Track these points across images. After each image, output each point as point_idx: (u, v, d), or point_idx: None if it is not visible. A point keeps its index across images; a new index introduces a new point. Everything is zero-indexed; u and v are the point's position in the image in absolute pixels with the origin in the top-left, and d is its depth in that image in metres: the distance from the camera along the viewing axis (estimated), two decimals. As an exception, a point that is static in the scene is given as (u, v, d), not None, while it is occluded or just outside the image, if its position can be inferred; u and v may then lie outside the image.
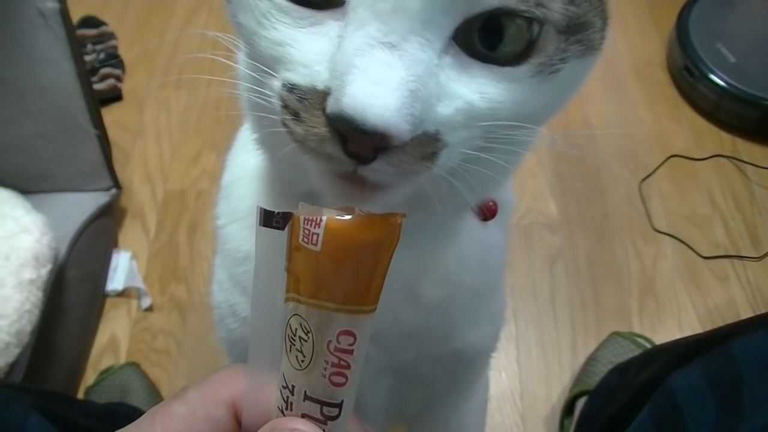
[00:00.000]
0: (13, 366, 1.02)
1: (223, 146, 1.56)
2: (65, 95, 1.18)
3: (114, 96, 1.62)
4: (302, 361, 0.30)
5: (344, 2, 0.31)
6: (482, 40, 0.32)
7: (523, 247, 1.36)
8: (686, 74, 1.55)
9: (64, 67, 1.15)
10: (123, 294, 1.31)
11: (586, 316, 1.28)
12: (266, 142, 0.46)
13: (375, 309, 0.30)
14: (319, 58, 0.31)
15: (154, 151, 1.54)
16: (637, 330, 1.24)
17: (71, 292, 1.18)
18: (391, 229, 0.28)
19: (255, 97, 0.35)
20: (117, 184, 1.35)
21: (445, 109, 0.31)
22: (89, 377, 1.21)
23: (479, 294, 0.56)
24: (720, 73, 1.49)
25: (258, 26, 0.33)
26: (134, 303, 1.30)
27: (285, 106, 0.32)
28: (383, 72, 0.29)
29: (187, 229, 1.40)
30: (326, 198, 0.36)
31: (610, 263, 1.34)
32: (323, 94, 0.30)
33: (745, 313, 1.27)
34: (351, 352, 0.30)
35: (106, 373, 1.19)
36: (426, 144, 0.31)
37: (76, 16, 1.52)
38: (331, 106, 0.29)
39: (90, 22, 1.72)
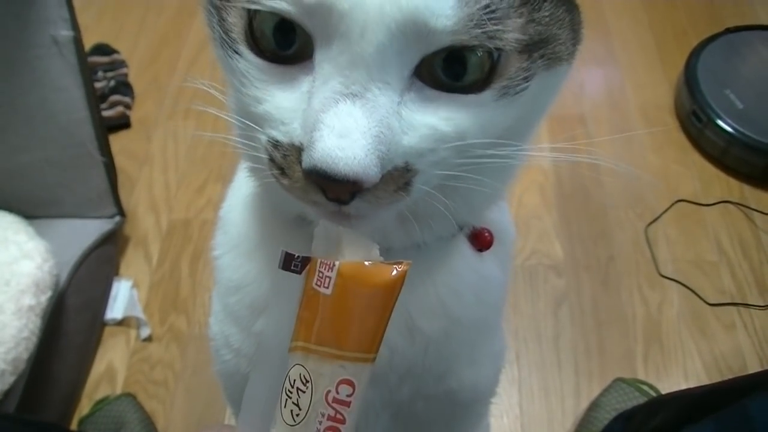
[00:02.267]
0: (7, 394, 1.00)
1: (228, 177, 1.56)
2: (74, 122, 1.19)
3: (122, 123, 1.62)
4: (297, 415, 0.30)
5: (312, 55, 0.33)
6: (446, 71, 0.33)
7: (528, 289, 1.34)
8: (694, 119, 1.55)
9: (74, 94, 1.16)
10: (122, 323, 1.30)
11: (590, 361, 1.26)
12: (256, 171, 0.47)
13: (375, 359, 0.31)
14: (293, 115, 0.34)
15: (159, 180, 1.54)
16: (641, 376, 1.22)
17: (70, 320, 1.17)
18: (399, 275, 0.30)
19: (245, 143, 0.38)
20: (121, 212, 1.35)
21: (411, 140, 0.33)
22: (84, 407, 1.20)
23: (476, 330, 0.56)
24: (728, 119, 1.49)
25: (241, 85, 0.35)
26: (133, 333, 1.29)
27: (272, 160, 0.35)
28: (347, 124, 0.31)
29: (189, 260, 1.40)
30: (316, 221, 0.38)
31: (615, 308, 1.33)
32: (299, 150, 0.33)
33: (752, 363, 1.25)
34: (348, 404, 0.30)
35: (101, 404, 1.17)
36: (397, 177, 0.33)
37: (89, 43, 1.54)
38: (305, 161, 0.32)
39: (102, 49, 1.74)
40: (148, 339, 1.28)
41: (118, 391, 1.22)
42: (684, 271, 1.38)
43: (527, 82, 0.35)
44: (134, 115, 1.66)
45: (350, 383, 0.30)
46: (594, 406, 1.16)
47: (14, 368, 1.01)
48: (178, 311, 1.32)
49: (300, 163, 0.33)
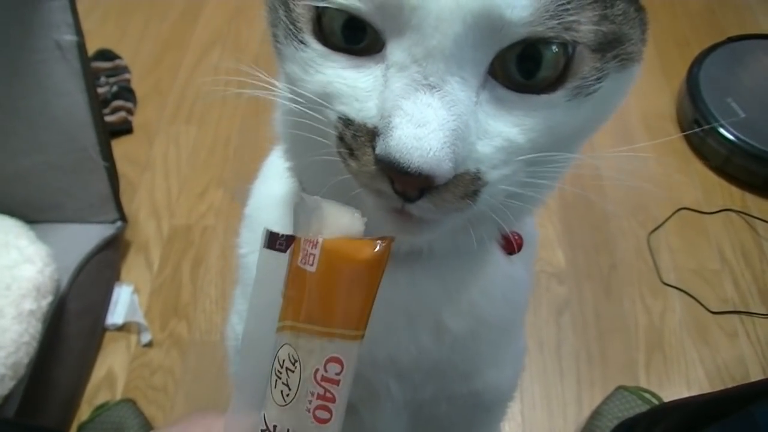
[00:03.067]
0: (7, 398, 1.00)
1: (230, 183, 1.56)
2: (76, 127, 1.19)
3: (124, 129, 1.62)
4: (287, 395, 0.30)
5: (381, 49, 0.32)
6: (520, 69, 0.32)
7: (530, 296, 1.34)
8: (696, 128, 1.55)
9: (77, 99, 1.16)
10: (123, 328, 1.29)
11: (592, 369, 1.25)
12: (305, 172, 0.46)
13: (363, 336, 0.30)
14: (368, 94, 0.33)
15: (161, 186, 1.54)
16: (643, 385, 1.21)
17: (71, 325, 1.17)
18: (382, 250, 0.30)
19: (305, 122, 0.36)
20: (123, 217, 1.34)
21: (485, 148, 0.32)
22: (84, 413, 1.19)
23: (503, 332, 0.56)
24: (730, 128, 1.50)
25: (304, 73, 0.35)
26: (134, 338, 1.29)
27: (341, 139, 0.34)
28: (426, 114, 0.30)
29: (191, 265, 1.39)
30: (375, 230, 0.36)
31: (617, 316, 1.33)
32: (373, 133, 0.32)
33: (755, 371, 1.24)
34: (337, 382, 0.30)
35: (101, 409, 1.16)
36: (467, 183, 0.32)
37: (91, 49, 1.54)
38: (379, 147, 0.31)
39: (105, 54, 1.74)
40: (149, 344, 1.27)
41: (118, 396, 1.21)
42: (686, 279, 1.38)
43: (600, 82, 0.34)
44: (136, 121, 1.66)
45: (338, 361, 0.30)
46: (596, 414, 1.15)
47: (14, 373, 1.00)
48: (178, 317, 1.32)
49: (372, 147, 0.32)
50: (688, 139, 1.60)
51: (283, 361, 0.30)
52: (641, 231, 1.45)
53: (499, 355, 0.57)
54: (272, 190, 0.54)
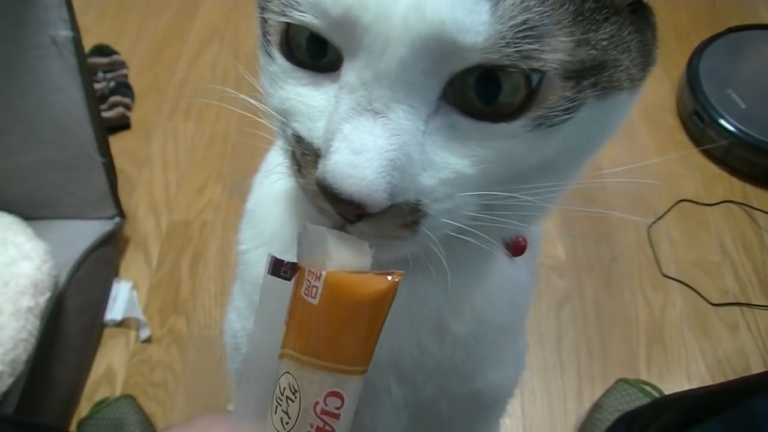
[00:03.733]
0: (5, 395, 1.00)
1: (229, 178, 1.55)
2: (74, 123, 1.18)
3: (122, 125, 1.62)
4: (286, 423, 0.29)
5: (340, 67, 0.32)
6: (479, 94, 0.31)
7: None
8: (696, 119, 1.55)
9: (74, 95, 1.15)
10: (122, 324, 1.29)
11: (592, 363, 1.25)
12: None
13: (365, 371, 0.29)
14: (320, 114, 0.33)
15: (159, 181, 1.53)
16: (644, 378, 1.21)
17: (69, 321, 1.17)
18: (389, 288, 0.29)
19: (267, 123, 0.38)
20: (121, 213, 1.34)
21: (429, 180, 0.31)
22: (83, 409, 1.19)
23: (505, 332, 0.55)
24: (730, 119, 1.49)
25: (270, 86, 0.36)
26: (133, 334, 1.28)
27: (293, 154, 0.34)
28: (364, 141, 0.29)
29: (189, 261, 1.39)
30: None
31: (617, 308, 1.32)
32: (317, 154, 0.32)
33: (755, 363, 1.24)
34: (337, 416, 0.29)
35: (100, 406, 1.16)
36: (405, 213, 0.31)
37: (89, 44, 1.53)
38: (318, 170, 0.31)
39: (102, 50, 1.74)
40: (148, 340, 1.27)
41: (118, 392, 1.21)
42: (687, 271, 1.37)
43: (570, 113, 0.32)
44: (134, 117, 1.65)
45: (339, 396, 0.29)
46: (596, 407, 1.15)
47: (12, 370, 1.00)
48: (178, 313, 1.31)
49: (316, 167, 0.32)
50: (689, 131, 1.60)
51: (284, 389, 0.30)
52: (641, 223, 1.44)
53: (501, 355, 0.57)
54: (274, 185, 0.53)
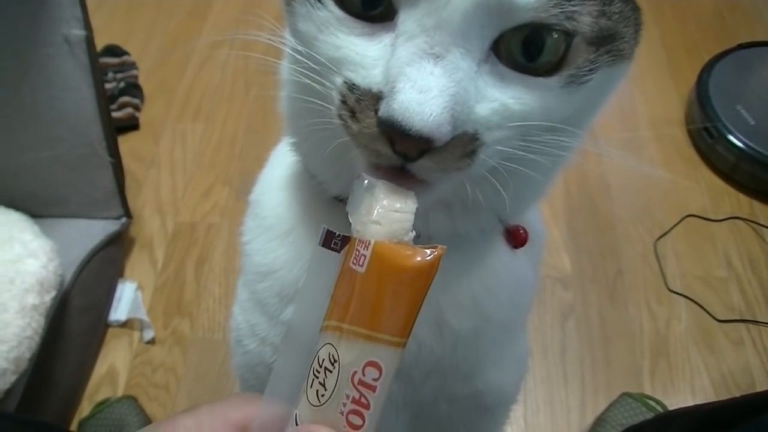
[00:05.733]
0: (8, 393, 0.99)
1: (236, 181, 1.55)
2: (83, 122, 1.19)
3: (131, 125, 1.62)
4: (322, 395, 0.30)
5: (394, 17, 0.34)
6: (522, 51, 0.34)
7: (535, 300, 1.33)
8: (705, 134, 1.55)
9: (84, 94, 1.16)
10: (125, 325, 1.29)
11: (596, 375, 1.25)
12: (306, 143, 0.47)
13: (404, 345, 0.30)
14: (375, 62, 0.35)
15: (167, 183, 1.53)
16: (648, 392, 1.21)
17: (73, 320, 1.16)
18: (432, 261, 0.30)
19: (307, 83, 0.38)
20: (128, 214, 1.34)
21: (482, 110, 0.34)
22: (84, 409, 1.19)
23: (505, 330, 0.56)
24: (739, 135, 1.49)
25: (318, 32, 0.36)
26: (136, 335, 1.28)
27: (344, 102, 0.35)
28: (428, 80, 0.32)
29: (195, 264, 1.39)
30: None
31: (622, 322, 1.32)
32: (377, 97, 0.34)
33: (760, 380, 1.23)
34: (373, 389, 0.29)
35: (101, 406, 1.16)
36: (465, 143, 0.34)
37: (99, 44, 1.54)
38: (382, 110, 0.33)
39: (113, 50, 1.74)
40: (151, 342, 1.27)
41: (120, 393, 1.21)
42: (692, 286, 1.37)
43: (592, 73, 0.36)
44: (143, 117, 1.66)
45: (377, 366, 0.29)
46: (600, 421, 1.14)
47: (16, 367, 1.00)
48: (182, 315, 1.31)
49: (375, 110, 0.33)
50: (696, 146, 1.59)
51: (323, 360, 0.30)
52: (648, 237, 1.44)
53: (501, 355, 0.57)
54: (276, 173, 0.55)
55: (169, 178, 1.54)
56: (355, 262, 0.30)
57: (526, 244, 0.52)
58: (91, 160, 1.23)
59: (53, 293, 1.08)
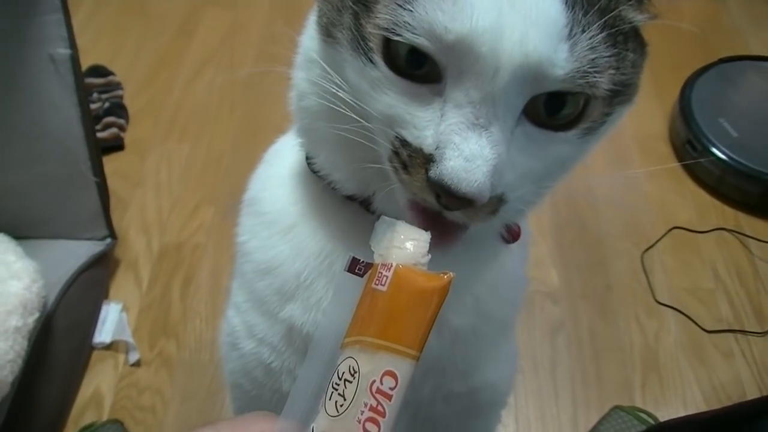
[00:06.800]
0: (-10, 418, 0.97)
1: (222, 201, 1.54)
2: (68, 141, 1.18)
3: (116, 145, 1.61)
4: (341, 405, 0.32)
5: (441, 79, 0.37)
6: (546, 108, 0.38)
7: (524, 317, 1.33)
8: (689, 148, 1.56)
9: (69, 113, 1.15)
10: (110, 347, 1.27)
11: (587, 390, 1.24)
12: (323, 147, 0.49)
13: (418, 359, 0.33)
14: (426, 124, 0.38)
15: (152, 203, 1.52)
16: (639, 405, 1.20)
17: (57, 343, 1.14)
18: (445, 283, 0.34)
19: (355, 125, 0.41)
20: (113, 234, 1.33)
21: (511, 176, 0.39)
22: (69, 433, 1.16)
23: (502, 327, 0.59)
24: (723, 148, 1.50)
25: (370, 89, 0.39)
26: (122, 357, 1.26)
27: (396, 154, 0.39)
28: (474, 151, 0.36)
29: (181, 284, 1.37)
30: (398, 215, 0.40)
31: (612, 336, 1.31)
32: (427, 159, 0.37)
33: (751, 390, 1.23)
34: (390, 397, 0.32)
35: (87, 430, 1.14)
36: (494, 203, 0.39)
37: (85, 64, 1.53)
38: (432, 172, 0.37)
39: (98, 70, 1.74)
40: (137, 364, 1.25)
41: (105, 416, 1.18)
42: (681, 298, 1.37)
43: (605, 123, 0.40)
44: (128, 137, 1.65)
45: (394, 376, 0.32)
46: (592, 435, 1.14)
47: (-2, 391, 0.98)
48: (168, 336, 1.29)
49: (425, 168, 0.37)
50: (681, 159, 1.61)
51: (343, 373, 0.33)
52: (635, 251, 1.45)
53: (496, 352, 0.59)
54: (276, 171, 0.56)
55: (154, 198, 1.53)
56: (377, 282, 0.33)
57: (517, 243, 0.54)
58: (75, 180, 1.22)
59: (36, 315, 1.06)
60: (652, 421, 1.12)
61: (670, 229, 1.47)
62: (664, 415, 1.17)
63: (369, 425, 0.31)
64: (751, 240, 1.45)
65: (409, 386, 0.33)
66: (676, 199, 1.55)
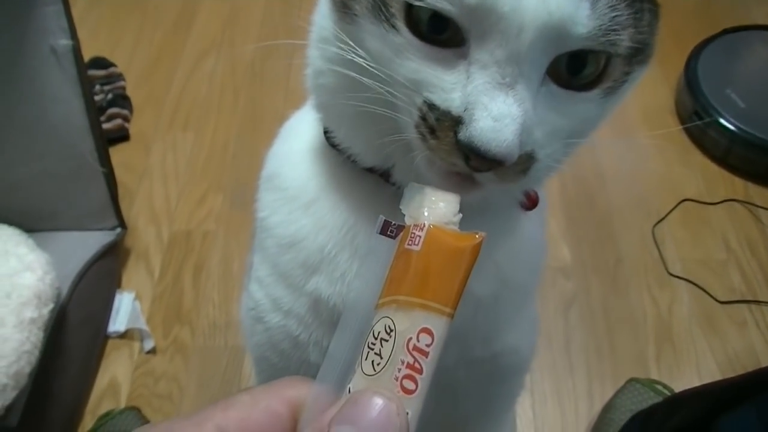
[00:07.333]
0: (9, 409, 0.98)
1: (229, 188, 1.54)
2: (74, 133, 1.17)
3: (121, 136, 1.61)
4: (377, 364, 0.32)
5: (464, 43, 0.38)
6: (568, 67, 0.39)
7: (537, 292, 1.32)
8: (696, 119, 1.55)
9: (74, 105, 1.15)
10: (125, 336, 1.27)
11: (602, 363, 1.24)
12: (343, 120, 0.49)
13: (453, 316, 0.33)
14: (453, 86, 0.38)
15: (160, 192, 1.52)
16: (654, 377, 1.20)
17: (72, 333, 1.15)
18: (477, 242, 0.34)
19: (379, 94, 0.41)
20: (122, 224, 1.33)
21: (539, 133, 0.39)
22: (87, 423, 1.17)
23: (524, 293, 0.59)
24: (730, 118, 1.49)
25: (394, 55, 0.40)
26: (136, 345, 1.27)
27: (423, 119, 0.39)
28: (502, 110, 0.36)
29: (192, 271, 1.38)
30: (425, 180, 0.41)
31: (625, 308, 1.31)
32: (455, 121, 0.38)
33: (765, 359, 1.23)
34: (426, 354, 0.32)
35: (105, 419, 1.14)
36: (524, 161, 0.39)
37: (86, 57, 1.53)
38: (462, 134, 0.37)
39: (99, 62, 1.73)
40: (152, 352, 1.26)
41: (122, 405, 1.19)
42: (693, 270, 1.37)
43: (626, 83, 0.41)
44: (133, 128, 1.65)
45: (430, 333, 0.32)
46: (608, 407, 1.14)
47: (16, 383, 0.98)
48: (181, 323, 1.30)
49: (454, 131, 0.38)
50: (688, 131, 1.60)
51: (378, 332, 0.32)
52: (645, 223, 1.44)
53: (518, 317, 0.59)
54: (293, 146, 0.56)
55: (162, 187, 1.53)
56: (410, 243, 0.33)
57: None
58: (83, 172, 1.22)
59: (51, 306, 1.07)
60: (668, 393, 1.13)
61: (680, 202, 1.46)
62: (679, 385, 1.16)
63: (406, 382, 0.32)
64: (761, 210, 1.45)
65: (444, 343, 0.33)
66: (685, 171, 1.54)
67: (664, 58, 1.75)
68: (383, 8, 0.39)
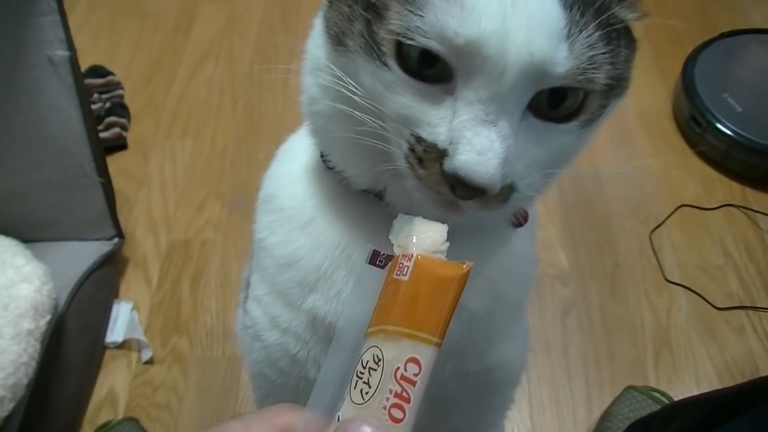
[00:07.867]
0: (7, 420, 0.98)
1: (228, 195, 1.54)
2: (71, 143, 1.18)
3: (119, 145, 1.61)
4: (366, 393, 0.32)
5: (451, 78, 0.40)
6: (549, 102, 0.41)
7: (534, 299, 1.33)
8: (693, 124, 1.55)
9: (71, 114, 1.15)
10: (123, 346, 1.27)
11: (600, 370, 1.24)
12: (337, 145, 0.51)
13: (440, 345, 0.34)
14: (440, 121, 0.40)
15: (158, 201, 1.52)
16: (652, 384, 1.20)
17: (70, 344, 1.15)
18: (464, 272, 0.35)
19: (369, 126, 0.43)
20: (120, 234, 1.33)
21: (519, 166, 0.41)
22: (86, 433, 1.17)
23: (516, 307, 0.61)
24: (727, 123, 1.49)
25: (385, 90, 0.42)
26: (134, 355, 1.27)
27: (412, 150, 0.41)
28: (485, 145, 0.39)
29: (190, 280, 1.38)
30: (416, 209, 0.44)
31: (623, 315, 1.31)
32: (441, 153, 0.40)
33: (764, 366, 1.23)
34: (414, 383, 0.33)
35: (103, 429, 1.14)
36: (505, 191, 0.41)
37: (83, 65, 1.53)
38: (447, 165, 0.39)
39: (97, 71, 1.73)
40: (150, 362, 1.26)
41: (120, 415, 1.19)
42: (690, 276, 1.37)
43: (602, 115, 0.43)
44: (131, 136, 1.65)
45: (418, 362, 0.33)
46: (606, 415, 1.14)
47: (13, 394, 0.98)
48: (179, 333, 1.30)
49: (440, 162, 0.40)
50: (686, 136, 1.60)
51: (367, 362, 0.33)
52: (643, 229, 1.44)
53: (510, 331, 0.61)
54: (289, 168, 0.58)
55: (160, 195, 1.53)
56: (398, 273, 0.34)
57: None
58: (80, 181, 1.22)
59: (48, 317, 1.07)
60: (665, 400, 1.12)
61: (678, 207, 1.46)
62: (678, 392, 1.17)
63: (395, 411, 0.32)
64: (759, 215, 1.45)
65: (432, 372, 0.34)
66: (682, 176, 1.54)
67: (661, 62, 1.75)
68: (375, 47, 0.41)
